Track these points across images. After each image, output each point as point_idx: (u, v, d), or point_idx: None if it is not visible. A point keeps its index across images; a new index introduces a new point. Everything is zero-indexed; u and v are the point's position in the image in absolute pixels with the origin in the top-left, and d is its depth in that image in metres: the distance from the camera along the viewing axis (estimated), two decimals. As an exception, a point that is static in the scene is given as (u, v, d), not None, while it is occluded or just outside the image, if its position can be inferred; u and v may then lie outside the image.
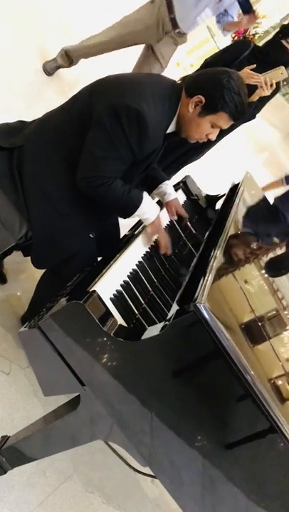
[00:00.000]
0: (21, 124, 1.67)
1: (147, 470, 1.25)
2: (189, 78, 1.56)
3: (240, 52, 2.50)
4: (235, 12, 2.94)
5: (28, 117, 1.69)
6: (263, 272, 1.66)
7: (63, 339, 1.10)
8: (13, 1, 3.33)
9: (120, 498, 1.83)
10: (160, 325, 1.05)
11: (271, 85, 2.30)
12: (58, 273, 1.63)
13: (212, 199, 2.36)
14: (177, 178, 2.23)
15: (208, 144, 2.53)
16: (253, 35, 9.39)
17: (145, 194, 1.54)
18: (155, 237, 1.62)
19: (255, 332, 1.26)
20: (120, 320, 1.19)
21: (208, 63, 2.57)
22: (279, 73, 2.28)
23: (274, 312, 1.46)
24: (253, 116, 2.66)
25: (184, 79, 1.61)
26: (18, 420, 1.66)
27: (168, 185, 1.85)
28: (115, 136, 1.39)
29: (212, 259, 1.19)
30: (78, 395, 1.20)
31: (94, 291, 1.15)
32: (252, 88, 2.29)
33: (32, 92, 3.06)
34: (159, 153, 1.62)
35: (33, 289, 1.88)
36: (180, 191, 2.17)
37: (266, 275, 1.67)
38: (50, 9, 3.76)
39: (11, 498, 1.50)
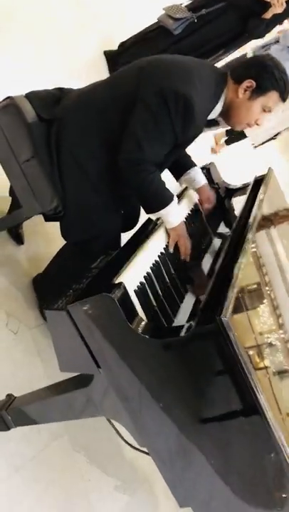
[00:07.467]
0: (60, 93, 1.65)
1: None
2: (234, 67, 1.59)
3: None
4: None
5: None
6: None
7: (88, 326, 1.14)
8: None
9: (102, 459, 1.97)
10: (185, 327, 1.11)
11: (282, 3, 2.61)
12: (82, 249, 1.65)
13: (231, 189, 2.37)
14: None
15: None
16: None
17: (175, 198, 1.53)
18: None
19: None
20: (140, 312, 1.24)
21: None
22: None
23: (255, 286, 1.49)
24: (263, 35, 2.92)
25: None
26: (21, 379, 1.74)
27: (197, 172, 1.83)
28: (161, 120, 1.40)
29: (237, 269, 1.22)
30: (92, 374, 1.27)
31: (121, 283, 1.19)
32: (266, 6, 2.64)
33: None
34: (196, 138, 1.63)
35: (48, 252, 1.91)
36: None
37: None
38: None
39: (7, 449, 1.61)
